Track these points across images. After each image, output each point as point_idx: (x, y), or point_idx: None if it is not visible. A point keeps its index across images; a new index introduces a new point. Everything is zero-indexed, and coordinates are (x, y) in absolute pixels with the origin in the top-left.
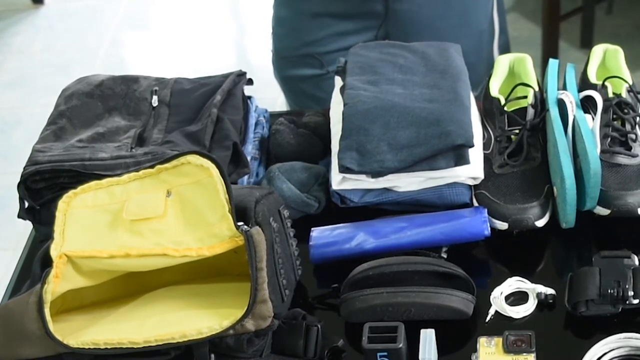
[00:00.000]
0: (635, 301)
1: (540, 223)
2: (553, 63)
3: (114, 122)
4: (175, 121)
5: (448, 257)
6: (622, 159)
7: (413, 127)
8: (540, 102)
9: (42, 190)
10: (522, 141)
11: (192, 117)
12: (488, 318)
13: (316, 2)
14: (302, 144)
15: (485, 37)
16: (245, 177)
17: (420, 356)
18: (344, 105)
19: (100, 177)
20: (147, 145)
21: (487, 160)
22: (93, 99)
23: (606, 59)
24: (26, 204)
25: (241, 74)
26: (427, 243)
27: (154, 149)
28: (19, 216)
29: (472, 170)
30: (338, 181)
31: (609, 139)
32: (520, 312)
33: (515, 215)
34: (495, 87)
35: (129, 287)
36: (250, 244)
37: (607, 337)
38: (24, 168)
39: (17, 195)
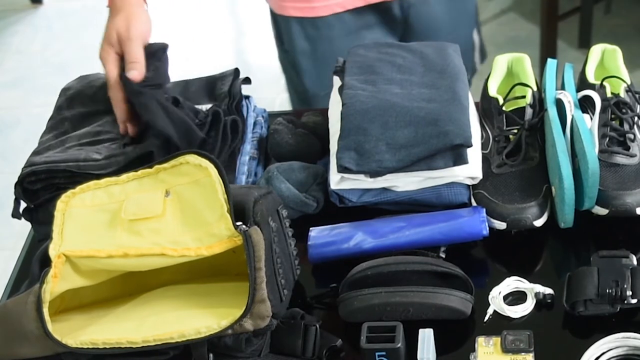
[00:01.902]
0: (634, 301)
1: (538, 223)
2: (551, 63)
3: (113, 125)
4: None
5: (446, 257)
6: (620, 159)
7: (411, 126)
8: (539, 102)
9: (39, 191)
10: (521, 141)
11: None
12: (486, 318)
13: (343, 23)
14: (300, 143)
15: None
16: (244, 177)
17: (419, 356)
18: (343, 105)
19: (93, 176)
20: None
21: (486, 160)
22: (96, 103)
23: (604, 58)
24: (23, 205)
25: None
26: (426, 243)
27: (146, 145)
28: (13, 215)
29: (471, 170)
30: (336, 181)
31: (607, 139)
32: (518, 311)
33: (514, 215)
34: (494, 87)
35: (128, 287)
36: (248, 244)
37: (605, 336)
38: (22, 169)
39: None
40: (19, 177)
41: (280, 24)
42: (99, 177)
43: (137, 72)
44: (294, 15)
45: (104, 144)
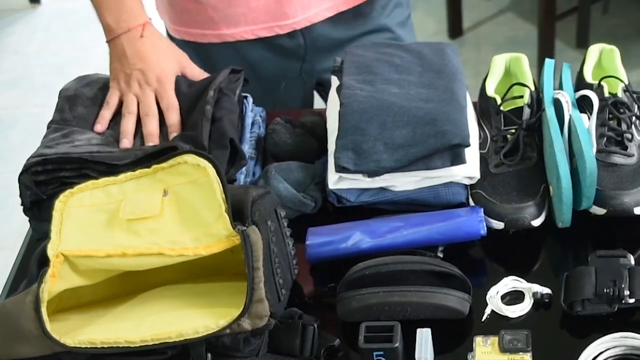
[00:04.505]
0: (631, 300)
1: (536, 222)
2: (549, 63)
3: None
4: None
5: (444, 257)
6: (618, 159)
7: (409, 126)
8: (537, 102)
9: (41, 184)
10: (518, 141)
11: (187, 114)
12: (484, 317)
13: (237, 52)
14: (298, 143)
15: None
16: (242, 177)
17: (417, 355)
18: (341, 104)
19: (105, 167)
20: None
21: (483, 159)
22: (98, 106)
23: (602, 58)
24: (28, 196)
25: (237, 71)
26: (423, 242)
27: (161, 145)
28: (22, 204)
29: (468, 169)
30: (334, 181)
31: (605, 139)
32: (516, 311)
33: (512, 214)
34: (492, 87)
35: (126, 287)
36: (246, 244)
37: (603, 336)
38: (28, 159)
39: (14, 195)
40: (25, 166)
41: (177, 46)
42: (111, 168)
43: (176, 134)
44: (187, 39)
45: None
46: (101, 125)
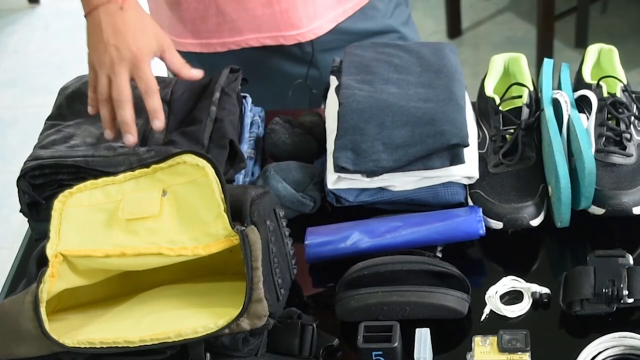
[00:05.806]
0: (630, 300)
1: (535, 222)
2: (548, 63)
3: (117, 125)
4: (174, 120)
5: (443, 257)
6: (617, 159)
7: (408, 126)
8: (535, 102)
9: (40, 187)
10: (517, 141)
11: (189, 113)
12: (483, 317)
13: (241, 59)
14: (297, 143)
15: None
16: (241, 177)
17: (416, 355)
18: (339, 104)
19: (101, 173)
20: (149, 145)
21: (482, 159)
22: None
23: (601, 58)
24: (26, 199)
25: (235, 70)
26: (422, 242)
27: (157, 148)
28: (21, 211)
29: (467, 169)
30: (333, 180)
31: (604, 139)
32: (515, 311)
33: (510, 214)
34: (490, 87)
35: (125, 286)
36: (245, 244)
37: (601, 336)
38: (25, 163)
39: (13, 195)
40: (22, 170)
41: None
42: (106, 174)
43: (159, 122)
44: (191, 50)
45: (111, 143)
46: (92, 107)
